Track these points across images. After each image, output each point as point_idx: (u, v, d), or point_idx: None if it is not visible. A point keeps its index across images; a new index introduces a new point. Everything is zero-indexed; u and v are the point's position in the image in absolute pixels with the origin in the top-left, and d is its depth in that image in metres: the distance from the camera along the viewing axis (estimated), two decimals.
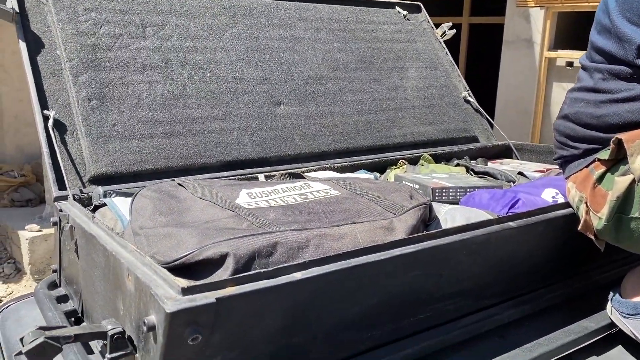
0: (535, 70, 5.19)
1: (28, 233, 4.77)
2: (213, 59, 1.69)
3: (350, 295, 0.89)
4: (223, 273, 0.79)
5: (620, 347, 1.15)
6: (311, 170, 1.63)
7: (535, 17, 5.09)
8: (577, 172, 1.11)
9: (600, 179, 1.04)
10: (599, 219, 1.04)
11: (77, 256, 1.11)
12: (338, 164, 1.70)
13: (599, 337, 1.14)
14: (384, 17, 2.16)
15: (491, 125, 2.15)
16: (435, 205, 1.14)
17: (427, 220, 1.09)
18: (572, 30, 5.15)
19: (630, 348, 1.13)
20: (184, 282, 0.71)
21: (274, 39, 1.84)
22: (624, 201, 1.00)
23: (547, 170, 1.77)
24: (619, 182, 0.99)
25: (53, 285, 1.36)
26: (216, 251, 0.79)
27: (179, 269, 0.82)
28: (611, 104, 1.05)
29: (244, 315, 0.77)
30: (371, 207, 1.04)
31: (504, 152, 2.05)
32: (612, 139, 1.01)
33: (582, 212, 1.09)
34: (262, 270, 0.76)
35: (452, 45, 2.28)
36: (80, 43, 1.51)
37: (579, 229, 1.10)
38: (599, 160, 1.05)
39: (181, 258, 0.80)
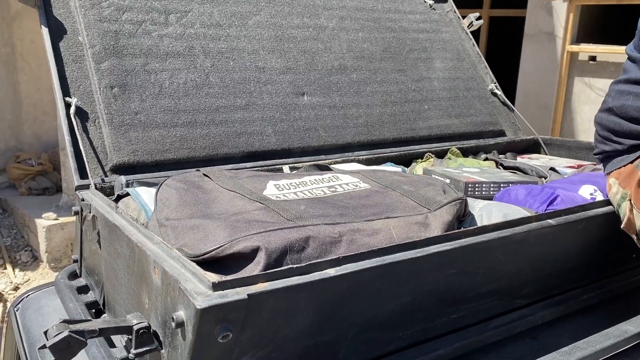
0: (556, 65, 5.09)
1: (45, 221, 4.79)
2: (236, 47, 1.66)
3: (383, 293, 0.85)
4: (254, 268, 0.75)
5: None
6: (335, 163, 1.59)
7: (558, 10, 4.98)
8: (620, 167, 1.05)
9: None
10: None
11: (99, 247, 1.09)
12: (362, 157, 1.66)
13: (639, 341, 1.09)
14: (410, 7, 2.11)
15: (515, 116, 2.09)
16: (469, 201, 1.10)
17: (462, 216, 1.05)
18: (596, 23, 5.03)
19: None
20: (214, 277, 0.68)
21: (297, 28, 1.80)
22: None
23: (578, 166, 1.71)
24: None
25: (73, 276, 1.34)
26: (247, 245, 0.76)
27: (208, 262, 0.78)
28: None
29: (275, 312, 0.73)
30: (403, 201, 0.99)
31: (532, 147, 1.99)
32: None
33: (624, 210, 1.03)
34: (294, 266, 0.73)
35: (472, 38, 2.22)
36: (103, 29, 1.48)
37: (621, 227, 1.04)
38: None
39: (211, 251, 0.76)
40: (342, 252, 0.82)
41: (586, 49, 4.83)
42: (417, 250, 0.84)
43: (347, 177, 1.11)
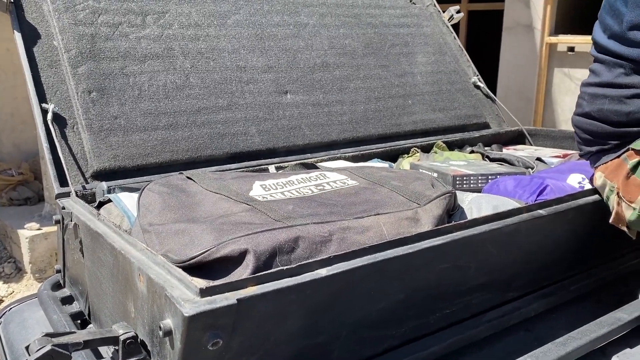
0: (536, 57, 5.12)
1: (28, 232, 4.71)
2: (216, 47, 1.63)
3: (376, 291, 0.83)
4: (243, 271, 0.73)
5: None
6: (321, 161, 1.57)
7: (535, 2, 5.02)
8: (607, 161, 1.05)
9: (635, 168, 0.98)
10: (632, 209, 0.98)
11: (82, 255, 1.06)
12: (348, 154, 1.64)
13: (633, 327, 1.08)
14: (390, 2, 2.09)
15: (498, 108, 2.09)
16: (458, 193, 1.08)
17: (451, 209, 1.04)
18: (573, 14, 5.07)
19: None
20: (202, 283, 0.65)
21: (278, 26, 1.78)
22: None
23: (564, 155, 1.71)
24: None
25: (57, 286, 1.30)
26: (235, 248, 0.74)
27: (194, 268, 0.76)
28: (639, 99, 0.98)
29: (266, 316, 0.71)
30: (393, 197, 0.98)
31: (517, 138, 1.99)
32: None
33: (612, 203, 1.03)
34: (284, 268, 0.70)
35: (453, 31, 2.21)
36: (78, 33, 1.44)
37: (610, 221, 1.04)
38: (634, 149, 0.99)
39: (197, 256, 0.74)
40: (333, 251, 0.80)
41: (564, 40, 4.87)
42: (409, 246, 0.82)
43: (334, 175, 1.09)
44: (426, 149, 1.74)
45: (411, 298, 0.89)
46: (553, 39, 4.92)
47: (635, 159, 0.98)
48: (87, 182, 1.30)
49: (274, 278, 0.70)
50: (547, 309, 1.13)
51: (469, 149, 1.79)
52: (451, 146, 1.80)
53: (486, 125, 2.02)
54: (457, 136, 1.88)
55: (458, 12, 2.19)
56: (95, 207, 1.12)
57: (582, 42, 4.69)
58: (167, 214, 0.90)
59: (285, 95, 1.67)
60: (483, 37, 6.96)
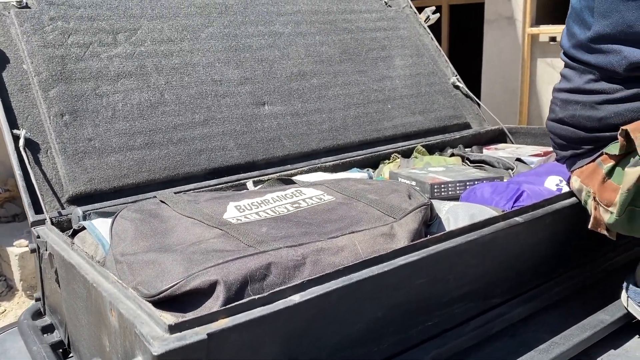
0: (518, 48, 5.14)
1: (17, 249, 4.66)
2: (190, 61, 1.61)
3: (353, 311, 0.82)
4: (213, 303, 0.72)
5: (637, 338, 1.09)
6: (301, 172, 1.56)
7: None
8: (582, 166, 1.04)
9: (610, 172, 0.98)
10: (610, 213, 0.98)
11: (59, 286, 1.04)
12: (329, 162, 1.63)
13: (615, 329, 1.09)
14: (365, 6, 2.09)
15: (479, 107, 2.09)
16: (435, 202, 1.08)
17: (429, 220, 1.03)
18: (553, 5, 5.09)
19: None
20: (170, 319, 0.64)
21: (252, 36, 1.77)
22: (637, 193, 0.94)
23: (544, 153, 1.71)
24: (630, 174, 0.93)
25: (38, 314, 1.29)
26: (205, 279, 0.73)
27: (165, 301, 0.75)
28: (610, 104, 0.98)
29: (239, 348, 0.70)
30: (369, 212, 0.97)
31: (498, 137, 1.99)
32: (619, 132, 0.94)
33: (590, 208, 1.03)
34: (256, 297, 0.69)
35: (434, 28, 2.21)
36: (48, 55, 1.43)
37: (589, 227, 1.04)
38: (607, 154, 0.99)
39: (167, 290, 0.73)
40: (307, 275, 0.79)
41: (546, 31, 4.88)
42: (383, 264, 0.81)
43: (310, 191, 1.08)
44: (407, 154, 1.73)
45: (390, 315, 0.88)
46: (535, 30, 4.94)
47: (610, 163, 0.98)
48: (63, 208, 1.29)
49: (246, 308, 0.69)
50: (531, 314, 1.13)
51: (450, 151, 1.78)
52: (432, 149, 1.79)
53: (467, 126, 2.02)
54: (438, 138, 1.88)
55: (434, 12, 2.18)
56: (69, 236, 1.11)
57: None
58: (140, 243, 0.88)
59: (263, 107, 1.66)
60: (465, 31, 6.97)
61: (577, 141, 1.04)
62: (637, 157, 0.93)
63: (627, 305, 1.07)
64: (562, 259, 1.17)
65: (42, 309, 1.27)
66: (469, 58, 5.95)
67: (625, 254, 1.28)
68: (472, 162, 1.61)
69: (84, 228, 1.10)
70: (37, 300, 1.27)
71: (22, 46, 1.42)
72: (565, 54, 1.06)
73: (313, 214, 0.97)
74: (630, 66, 0.93)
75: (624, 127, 0.94)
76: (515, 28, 5.13)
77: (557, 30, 4.75)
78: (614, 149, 0.97)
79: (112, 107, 1.44)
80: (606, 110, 0.97)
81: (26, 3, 1.47)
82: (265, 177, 1.49)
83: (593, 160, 1.01)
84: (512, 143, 1.96)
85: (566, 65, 1.07)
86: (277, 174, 1.53)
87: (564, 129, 1.05)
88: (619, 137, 0.94)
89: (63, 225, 1.22)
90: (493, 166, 1.54)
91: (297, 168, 1.58)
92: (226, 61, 1.67)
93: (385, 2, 2.15)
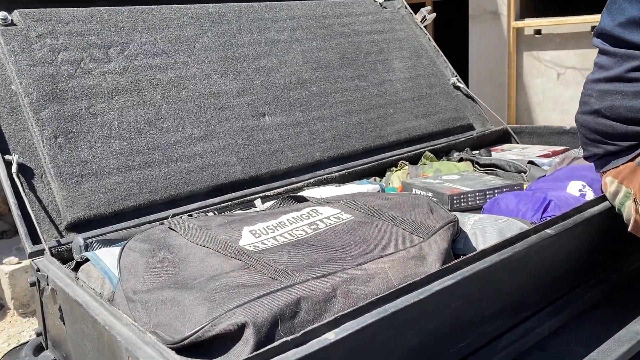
0: (504, 42, 5.13)
1: (7, 267, 4.54)
2: (186, 74, 1.55)
3: (388, 342, 0.77)
4: (243, 348, 0.66)
5: None
6: (307, 184, 1.51)
7: None
8: (619, 166, 0.99)
9: None
10: None
11: (64, 323, 0.97)
12: (334, 173, 1.58)
13: None
14: (361, 8, 2.03)
15: (480, 107, 2.04)
16: (458, 216, 1.03)
17: (454, 235, 0.98)
18: None
19: None
20: None
21: (248, 45, 1.70)
22: None
23: (552, 152, 1.67)
24: None
25: (39, 349, 1.22)
26: (232, 322, 0.66)
27: (188, 346, 0.68)
28: None
29: None
30: (393, 231, 0.92)
31: (503, 137, 1.95)
32: None
33: (629, 210, 0.97)
34: (289, 338, 0.64)
35: (427, 32, 2.16)
36: (38, 74, 1.35)
37: (629, 230, 0.98)
38: None
39: (191, 336, 0.67)
40: (338, 308, 0.73)
41: (531, 24, 4.88)
42: (418, 291, 0.76)
43: (326, 209, 1.03)
44: (413, 159, 1.68)
45: (425, 340, 0.83)
46: (519, 24, 4.93)
47: None
48: (62, 236, 1.22)
49: (279, 352, 0.63)
50: (562, 325, 1.08)
51: (456, 154, 1.74)
52: (438, 154, 1.74)
53: (470, 127, 1.98)
54: (443, 142, 1.83)
55: (430, 12, 2.13)
56: (72, 269, 1.04)
57: (547, 24, 4.70)
58: (152, 277, 0.82)
59: (264, 118, 1.60)
60: (450, 28, 6.95)
61: (614, 136, 0.97)
62: None
63: None
64: (590, 266, 1.13)
65: (43, 344, 1.20)
66: (453, 52, 5.92)
67: None
68: (482, 165, 1.56)
69: (87, 259, 1.03)
70: (38, 335, 1.20)
71: (9, 66, 1.35)
72: (605, 38, 0.99)
73: (334, 236, 0.92)
74: None
75: None
76: (500, 22, 5.11)
77: (542, 23, 4.74)
78: None
79: (108, 126, 1.37)
80: None
81: (12, 20, 1.39)
82: (271, 192, 1.43)
83: (632, 159, 0.96)
84: (518, 143, 1.92)
85: (603, 52, 0.99)
86: (283, 188, 1.47)
87: (600, 123, 0.98)
88: None
89: (64, 255, 1.15)
90: (504, 169, 1.50)
91: (302, 180, 1.52)
92: (223, 72, 1.61)
93: (380, 3, 2.09)
